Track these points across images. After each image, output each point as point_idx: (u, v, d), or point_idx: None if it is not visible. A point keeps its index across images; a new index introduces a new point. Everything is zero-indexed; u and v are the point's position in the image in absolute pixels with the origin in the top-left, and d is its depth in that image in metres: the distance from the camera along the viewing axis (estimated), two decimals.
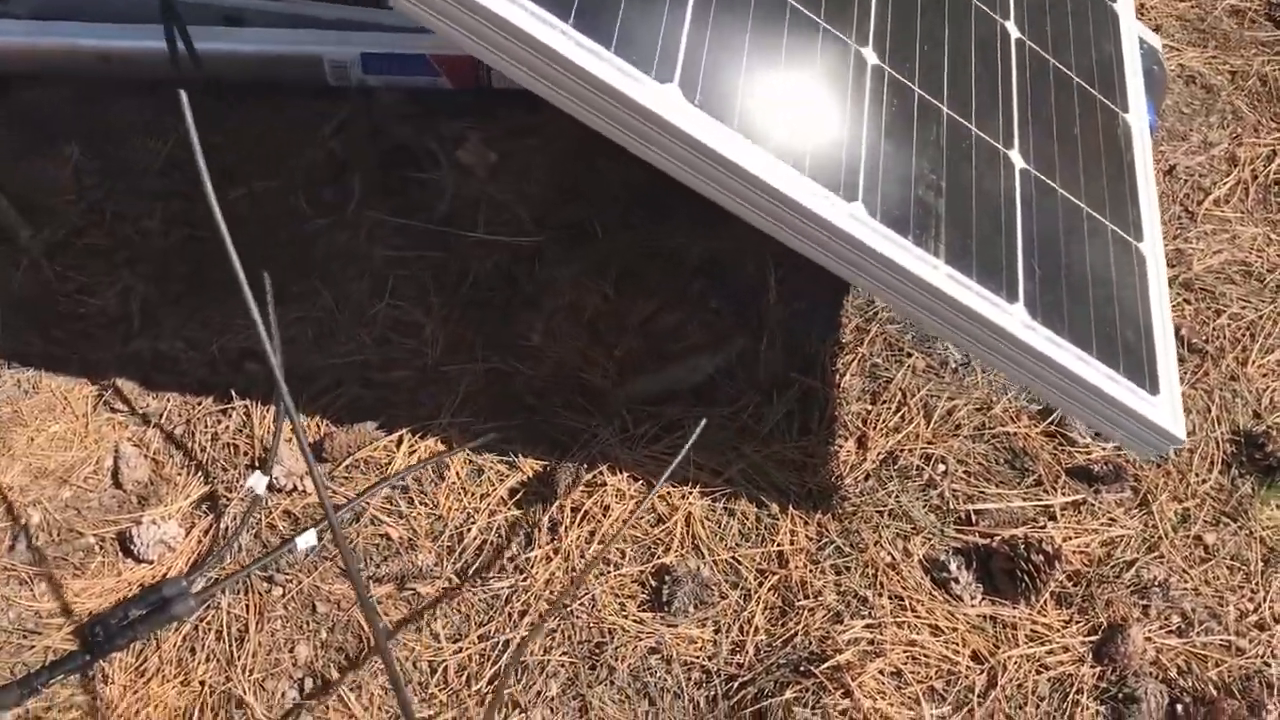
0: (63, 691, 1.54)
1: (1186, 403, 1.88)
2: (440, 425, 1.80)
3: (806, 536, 1.71)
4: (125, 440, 1.78)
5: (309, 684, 1.58)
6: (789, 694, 1.56)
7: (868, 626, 1.63)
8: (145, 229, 2.00)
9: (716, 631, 1.63)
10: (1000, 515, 1.75)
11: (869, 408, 1.85)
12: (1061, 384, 1.47)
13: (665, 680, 1.59)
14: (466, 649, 1.61)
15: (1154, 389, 1.53)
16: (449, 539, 1.70)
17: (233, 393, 1.82)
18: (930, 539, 1.72)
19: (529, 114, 2.12)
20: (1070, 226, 1.56)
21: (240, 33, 2.07)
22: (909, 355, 1.92)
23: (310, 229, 2.00)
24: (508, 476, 1.76)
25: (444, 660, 1.59)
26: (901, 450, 1.81)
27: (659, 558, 1.69)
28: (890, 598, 1.66)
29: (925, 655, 1.61)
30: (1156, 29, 2.46)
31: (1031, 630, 1.64)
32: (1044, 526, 1.74)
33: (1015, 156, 1.56)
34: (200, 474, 1.75)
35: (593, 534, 1.70)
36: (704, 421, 1.68)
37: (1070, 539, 1.73)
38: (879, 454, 1.80)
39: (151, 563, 1.66)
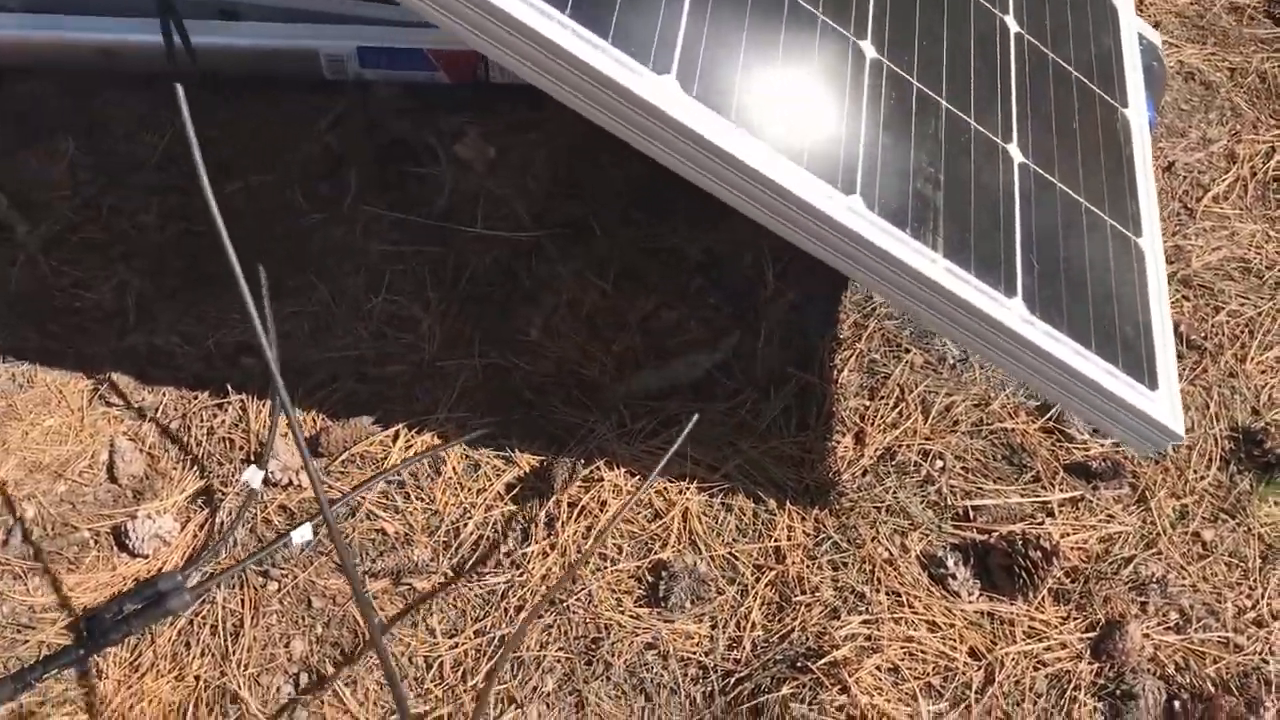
0: (56, 686, 1.54)
1: (1185, 399, 1.87)
2: (437, 420, 1.79)
3: (804, 532, 1.71)
4: (120, 434, 1.78)
5: (304, 679, 1.57)
6: (786, 690, 1.55)
7: (865, 622, 1.62)
8: (141, 223, 1.99)
9: (713, 627, 1.63)
10: (998, 511, 1.75)
11: (867, 403, 1.85)
12: (1060, 379, 1.47)
13: (662, 676, 1.59)
14: (462, 644, 1.60)
15: (1153, 384, 1.52)
16: (445, 534, 1.70)
17: (229, 387, 1.82)
18: (928, 535, 1.72)
19: (528, 109, 2.11)
20: (1069, 221, 1.56)
21: (236, 26, 2.06)
22: (907, 351, 1.92)
23: (306, 223, 2.00)
24: (504, 472, 1.75)
25: (440, 656, 1.59)
26: (899, 446, 1.80)
27: (656, 553, 1.68)
28: (887, 594, 1.66)
29: (922, 651, 1.61)
30: (1156, 25, 2.46)
31: (1029, 627, 1.64)
32: (1042, 523, 1.74)
33: (1014, 150, 1.56)
34: (196, 468, 1.75)
35: (589, 529, 1.69)
36: (696, 416, 1.67)
37: (1068, 535, 1.72)
38: (877, 450, 1.80)
39: (146, 557, 1.66)
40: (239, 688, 1.55)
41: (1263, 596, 1.69)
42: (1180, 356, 1.91)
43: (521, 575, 1.65)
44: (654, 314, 1.93)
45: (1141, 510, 1.77)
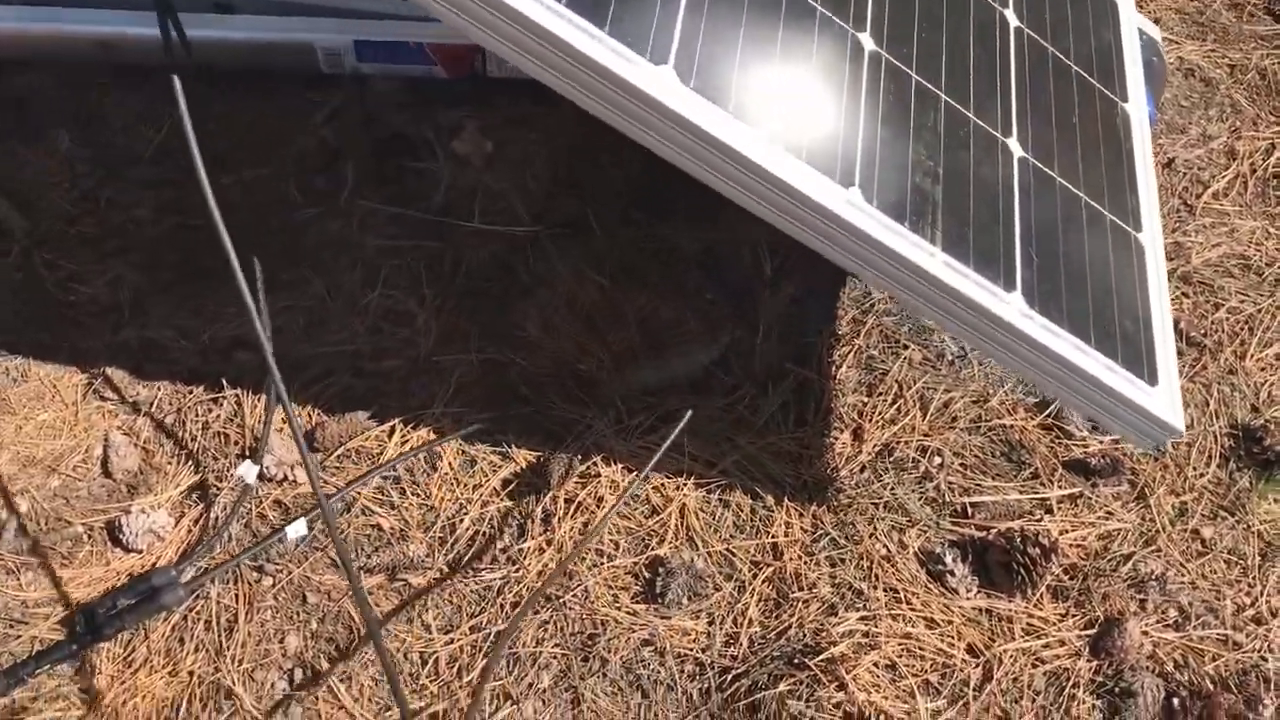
0: (49, 681, 1.53)
1: (1184, 396, 1.87)
2: (433, 416, 1.78)
3: (801, 528, 1.70)
4: (115, 429, 1.77)
5: (299, 675, 1.56)
6: (783, 687, 1.55)
7: (862, 619, 1.62)
8: (137, 217, 1.98)
9: (710, 624, 1.62)
10: (996, 508, 1.74)
11: (865, 400, 1.84)
12: (1059, 374, 1.46)
13: (658, 672, 1.58)
14: (458, 640, 1.59)
15: (1152, 379, 1.51)
16: (441, 530, 1.69)
17: (223, 381, 1.81)
18: (926, 531, 1.71)
19: (527, 103, 2.10)
20: (1068, 215, 1.55)
21: (232, 20, 2.05)
22: (905, 347, 1.91)
23: (301, 217, 1.99)
24: (501, 467, 1.75)
25: (435, 651, 1.58)
26: (897, 442, 1.79)
27: (653, 549, 1.67)
28: (885, 590, 1.65)
29: (920, 648, 1.60)
30: (1156, 22, 2.45)
31: (1027, 624, 1.63)
32: (1040, 519, 1.73)
33: (1013, 144, 1.55)
34: (190, 463, 1.74)
35: (586, 525, 1.68)
36: (690, 411, 1.66)
37: (1067, 532, 1.72)
38: (875, 446, 1.79)
39: (140, 552, 1.65)
40: (233, 683, 1.54)
41: (1262, 594, 1.68)
42: (1180, 353, 1.91)
43: (518, 571, 1.64)
44: (652, 310, 1.92)
45: (1141, 507, 1.76)
